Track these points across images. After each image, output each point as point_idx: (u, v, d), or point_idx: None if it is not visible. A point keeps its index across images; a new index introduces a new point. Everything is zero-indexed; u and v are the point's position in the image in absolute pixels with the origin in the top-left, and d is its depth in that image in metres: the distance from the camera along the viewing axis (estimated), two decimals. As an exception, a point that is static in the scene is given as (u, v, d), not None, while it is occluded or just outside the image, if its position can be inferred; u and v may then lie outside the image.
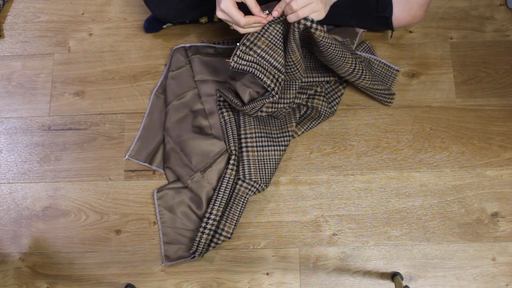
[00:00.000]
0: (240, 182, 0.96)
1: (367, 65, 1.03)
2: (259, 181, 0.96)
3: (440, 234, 0.97)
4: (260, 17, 0.77)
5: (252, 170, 0.96)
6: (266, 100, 0.89)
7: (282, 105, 0.96)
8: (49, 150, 1.05)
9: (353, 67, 0.91)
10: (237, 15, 0.76)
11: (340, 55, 0.87)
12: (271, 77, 0.84)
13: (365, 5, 0.99)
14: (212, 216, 0.93)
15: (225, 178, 0.96)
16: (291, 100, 0.96)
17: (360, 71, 0.92)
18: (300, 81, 0.96)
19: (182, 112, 1.02)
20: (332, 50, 0.85)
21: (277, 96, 0.86)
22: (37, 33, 1.13)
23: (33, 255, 0.99)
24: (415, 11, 0.97)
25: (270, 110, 0.95)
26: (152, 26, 1.08)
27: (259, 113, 0.95)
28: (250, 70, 0.81)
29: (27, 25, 1.13)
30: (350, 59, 0.89)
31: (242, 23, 0.76)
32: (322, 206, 0.99)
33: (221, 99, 1.01)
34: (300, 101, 1.00)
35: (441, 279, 0.95)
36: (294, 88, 0.96)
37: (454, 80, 1.06)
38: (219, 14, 0.77)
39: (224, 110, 1.01)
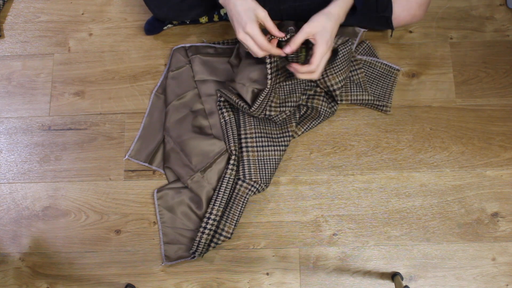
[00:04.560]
0: (240, 182, 0.96)
1: (367, 68, 1.04)
2: (259, 181, 0.96)
3: (440, 234, 0.97)
4: (278, 50, 0.81)
5: (252, 170, 0.96)
6: (264, 93, 0.92)
7: (288, 108, 0.97)
8: (49, 150, 1.05)
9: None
10: (263, 40, 0.78)
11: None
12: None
13: (365, 4, 0.99)
14: (212, 216, 0.93)
15: (225, 178, 0.96)
16: (295, 103, 0.97)
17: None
18: (304, 84, 0.98)
19: (182, 112, 1.02)
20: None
21: (269, 82, 0.90)
22: (37, 33, 1.13)
23: (33, 255, 0.99)
24: (415, 10, 0.97)
25: (278, 112, 0.96)
26: (152, 28, 1.08)
27: (267, 113, 0.96)
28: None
29: (27, 25, 1.13)
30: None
31: (265, 48, 0.79)
32: (322, 206, 0.99)
33: (221, 99, 1.01)
34: (300, 101, 1.01)
35: (441, 279, 0.95)
36: (299, 91, 0.98)
37: (454, 80, 1.06)
38: (241, 37, 0.78)
39: (224, 110, 1.01)
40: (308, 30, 0.79)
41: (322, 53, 0.81)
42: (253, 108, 0.94)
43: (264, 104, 0.95)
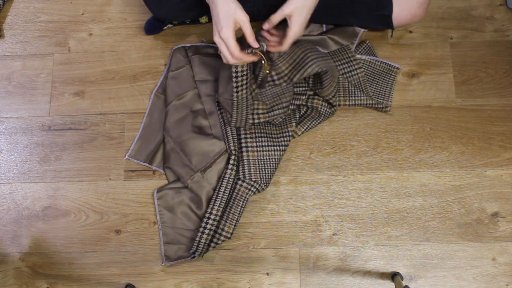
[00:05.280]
0: (240, 182, 0.96)
1: (367, 67, 1.04)
2: (259, 181, 0.96)
3: (440, 234, 0.97)
4: (250, 56, 0.81)
5: (252, 170, 0.96)
6: (235, 105, 0.92)
7: (279, 111, 0.97)
8: (49, 150, 1.05)
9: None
10: (234, 47, 0.78)
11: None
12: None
13: (364, 3, 0.99)
14: (212, 216, 0.93)
15: (225, 178, 0.96)
16: (287, 105, 0.97)
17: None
18: (293, 88, 0.98)
19: (182, 112, 1.02)
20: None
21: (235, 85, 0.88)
22: (37, 33, 1.13)
23: (33, 255, 0.99)
24: (415, 9, 0.97)
25: (267, 117, 0.97)
26: (152, 28, 1.08)
27: (255, 121, 0.96)
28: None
29: (27, 25, 1.13)
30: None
31: (235, 56, 0.79)
32: (322, 206, 0.99)
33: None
34: (300, 102, 1.01)
35: (441, 279, 0.95)
36: (288, 93, 0.97)
37: (454, 80, 1.06)
38: (216, 40, 0.79)
39: (223, 109, 1.01)
40: (287, 11, 0.80)
41: (295, 34, 0.81)
42: (233, 122, 0.94)
43: (245, 115, 0.94)
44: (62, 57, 1.11)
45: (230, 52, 0.79)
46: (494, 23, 1.09)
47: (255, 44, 0.80)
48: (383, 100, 1.02)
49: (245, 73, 0.86)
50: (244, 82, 0.88)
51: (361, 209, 0.99)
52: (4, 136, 1.06)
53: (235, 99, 0.89)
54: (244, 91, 0.89)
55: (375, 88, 1.03)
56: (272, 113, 0.97)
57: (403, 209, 0.99)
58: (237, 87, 0.87)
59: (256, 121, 0.96)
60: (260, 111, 0.96)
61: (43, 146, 1.05)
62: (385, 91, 1.03)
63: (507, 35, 1.08)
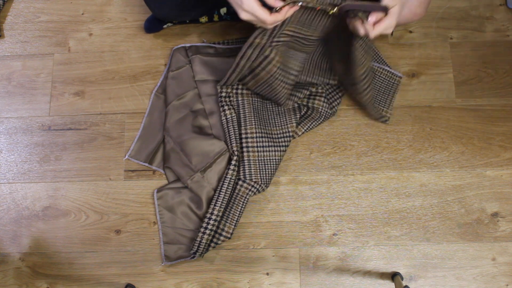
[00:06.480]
0: (240, 182, 0.96)
1: (372, 75, 1.03)
2: (260, 182, 0.95)
3: (440, 234, 0.97)
4: (287, 11, 0.74)
5: (252, 170, 0.96)
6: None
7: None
8: (49, 150, 1.05)
9: (364, 76, 0.90)
10: (263, 14, 0.72)
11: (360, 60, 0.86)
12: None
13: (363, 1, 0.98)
14: (214, 217, 0.93)
15: (226, 179, 0.96)
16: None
17: (366, 85, 0.92)
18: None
19: (182, 112, 1.02)
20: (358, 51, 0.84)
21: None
22: (37, 33, 1.13)
23: (33, 255, 0.99)
24: (416, 8, 0.97)
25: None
26: (152, 26, 1.08)
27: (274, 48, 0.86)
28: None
29: (27, 25, 1.13)
30: (365, 68, 0.88)
31: (269, 22, 0.73)
32: (322, 206, 0.99)
33: (223, 94, 1.01)
34: (301, 101, 1.01)
35: (441, 279, 0.95)
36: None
37: (454, 80, 1.06)
38: (243, 15, 0.74)
39: (226, 107, 1.00)
40: (390, 3, 0.75)
41: (389, 25, 0.76)
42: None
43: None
44: (62, 57, 1.11)
45: (262, 20, 0.73)
46: (494, 23, 1.09)
47: (276, 4, 0.73)
48: (383, 107, 1.02)
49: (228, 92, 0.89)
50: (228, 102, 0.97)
51: (361, 209, 0.99)
52: (4, 136, 1.06)
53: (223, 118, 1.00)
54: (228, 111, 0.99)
55: (376, 95, 1.03)
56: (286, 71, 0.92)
57: (403, 209, 0.99)
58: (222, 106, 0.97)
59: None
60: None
61: (43, 146, 1.05)
62: (385, 100, 1.03)
63: (507, 35, 1.08)
